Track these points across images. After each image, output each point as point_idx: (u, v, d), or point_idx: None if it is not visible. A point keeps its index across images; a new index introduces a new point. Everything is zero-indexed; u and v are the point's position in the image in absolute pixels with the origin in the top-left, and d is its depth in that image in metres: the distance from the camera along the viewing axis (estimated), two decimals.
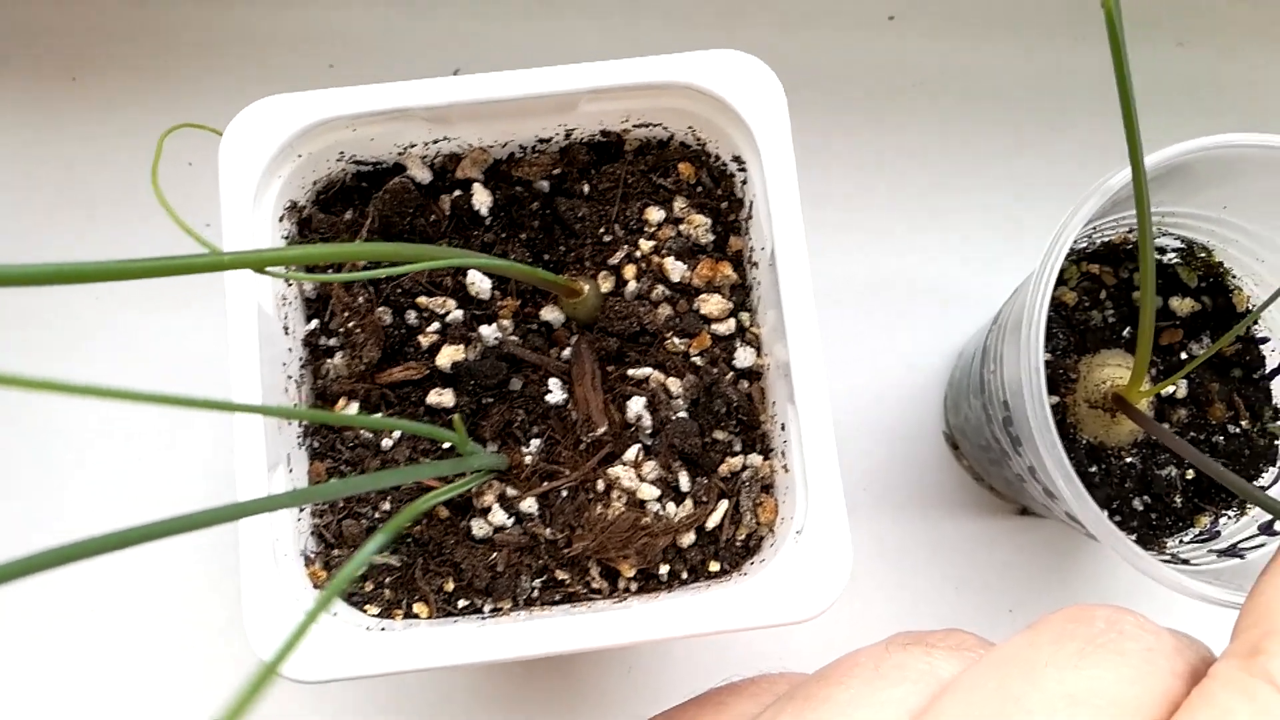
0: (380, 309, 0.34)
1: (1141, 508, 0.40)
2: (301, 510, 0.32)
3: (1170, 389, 0.41)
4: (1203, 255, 0.40)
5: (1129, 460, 0.40)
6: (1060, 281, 0.41)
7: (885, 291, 0.47)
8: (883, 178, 0.48)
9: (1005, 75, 0.49)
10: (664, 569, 0.33)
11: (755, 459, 0.34)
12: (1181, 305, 0.41)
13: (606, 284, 0.34)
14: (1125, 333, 0.41)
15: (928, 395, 0.47)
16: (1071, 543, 0.47)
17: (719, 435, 0.34)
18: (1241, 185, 0.35)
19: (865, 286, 0.47)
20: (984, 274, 0.48)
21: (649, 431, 0.33)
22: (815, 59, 0.49)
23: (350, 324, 0.34)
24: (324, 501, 0.33)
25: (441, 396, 0.34)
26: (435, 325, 0.34)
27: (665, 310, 0.34)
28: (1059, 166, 0.49)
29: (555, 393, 0.34)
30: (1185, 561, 0.37)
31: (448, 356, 0.34)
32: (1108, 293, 0.41)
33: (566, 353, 0.35)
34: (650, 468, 0.33)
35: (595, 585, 0.33)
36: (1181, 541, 0.39)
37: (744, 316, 0.34)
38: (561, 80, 0.32)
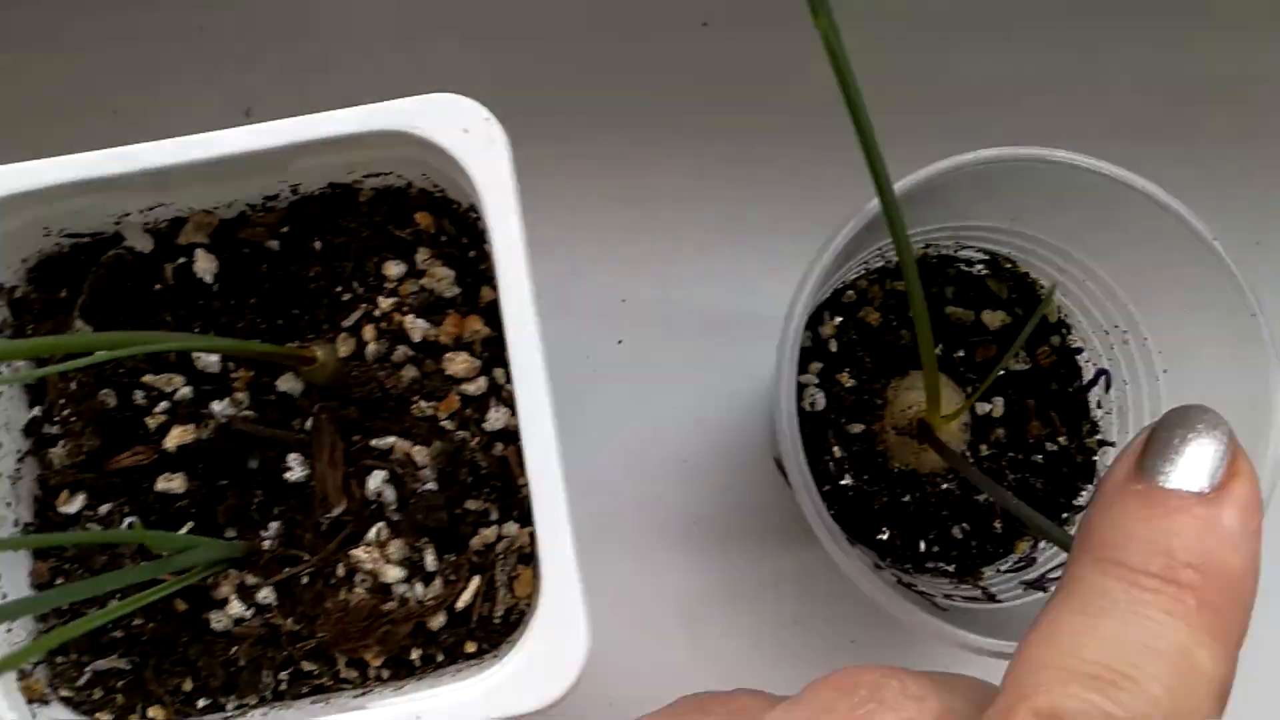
0: (104, 391, 0.32)
1: (961, 535, 0.38)
2: (12, 622, 0.30)
3: (988, 407, 0.39)
4: (1008, 267, 0.38)
5: (945, 487, 0.38)
6: (865, 301, 0.39)
7: (705, 319, 0.45)
8: (684, 199, 0.46)
9: (796, 82, 0.47)
10: (416, 654, 0.31)
11: (512, 528, 0.31)
12: (993, 319, 0.39)
13: (345, 348, 0.32)
14: (938, 351, 0.39)
15: (754, 422, 0.45)
16: None
17: (471, 505, 0.31)
18: (1018, 198, 0.33)
19: (678, 318, 0.45)
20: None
21: (394, 507, 0.31)
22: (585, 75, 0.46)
23: (66, 411, 0.31)
24: (49, 609, 0.31)
25: (171, 482, 0.31)
26: (164, 405, 0.32)
27: (410, 372, 0.32)
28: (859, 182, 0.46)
29: (295, 470, 0.31)
30: (993, 597, 0.35)
31: (176, 438, 0.31)
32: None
33: (311, 424, 0.32)
34: (396, 547, 0.31)
35: (344, 675, 0.31)
36: (999, 571, 0.37)
37: (498, 373, 0.32)
38: (261, 138, 0.29)
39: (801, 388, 0.37)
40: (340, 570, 0.31)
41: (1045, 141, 0.31)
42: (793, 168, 0.46)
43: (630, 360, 0.45)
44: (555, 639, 0.27)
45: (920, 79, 0.46)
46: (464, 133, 0.30)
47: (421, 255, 0.33)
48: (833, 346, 0.38)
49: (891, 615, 0.30)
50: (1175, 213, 0.30)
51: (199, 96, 0.46)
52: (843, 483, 0.37)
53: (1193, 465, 0.21)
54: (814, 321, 0.38)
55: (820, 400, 0.38)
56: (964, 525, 0.38)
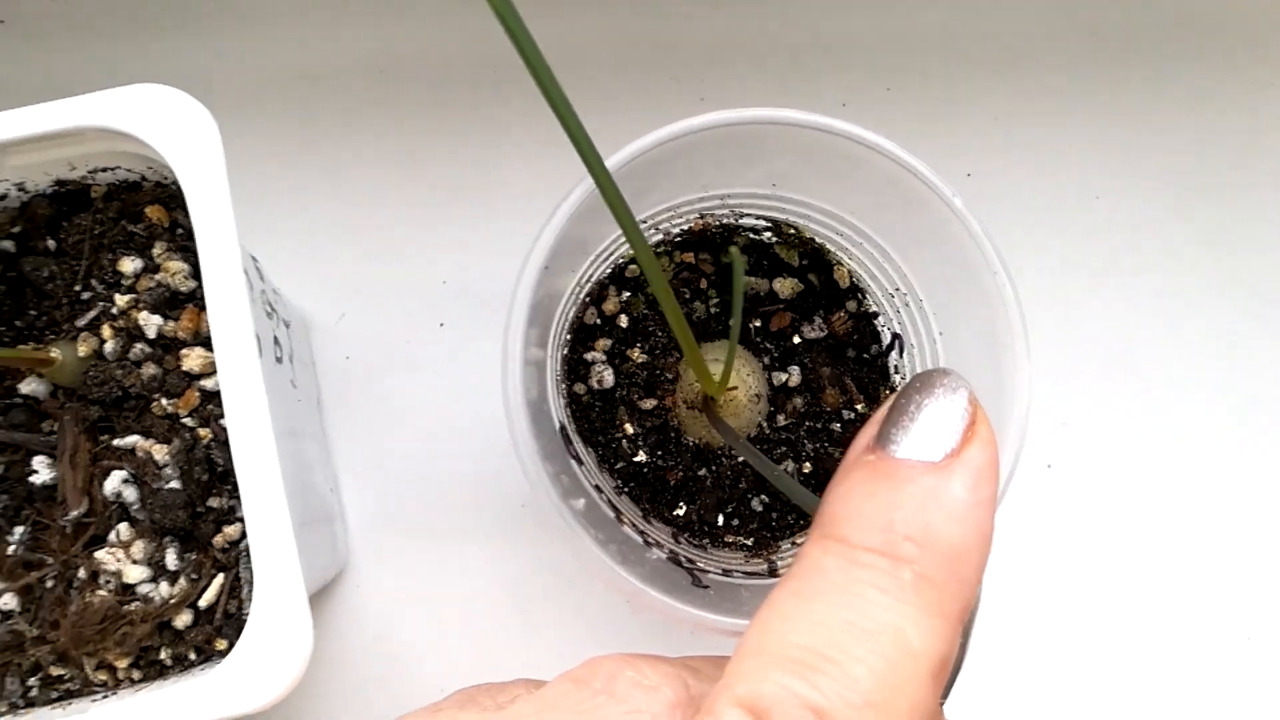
0: None
1: (760, 508, 0.37)
2: None
3: (784, 377, 0.38)
4: (792, 233, 0.37)
5: (742, 459, 0.37)
6: None
7: (486, 300, 0.44)
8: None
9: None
10: (166, 654, 0.30)
11: None
12: (784, 286, 0.38)
13: (85, 347, 0.32)
14: (730, 323, 0.38)
15: None
16: None
17: (214, 503, 0.31)
18: (771, 162, 0.32)
19: (499, 298, 0.44)
20: None
21: (136, 506, 0.31)
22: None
23: None
24: None
25: None
26: None
27: (150, 369, 0.31)
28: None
29: (42, 473, 0.31)
30: (774, 572, 0.35)
31: None
32: (709, 282, 0.38)
33: (58, 426, 0.32)
34: (139, 547, 0.30)
35: (94, 679, 0.31)
36: (794, 544, 0.36)
37: None
38: None
39: (589, 365, 0.37)
40: (83, 572, 0.30)
41: (805, 104, 0.30)
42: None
43: (451, 342, 0.45)
44: (275, 638, 0.27)
45: (660, 42, 0.45)
46: (166, 123, 0.29)
47: (157, 249, 0.32)
48: (623, 321, 0.37)
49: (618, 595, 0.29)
50: (911, 168, 0.29)
51: None
52: (637, 459, 0.37)
53: (926, 432, 0.20)
54: (598, 299, 0.37)
55: (609, 377, 0.37)
56: (762, 498, 0.37)
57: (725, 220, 0.37)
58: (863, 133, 0.29)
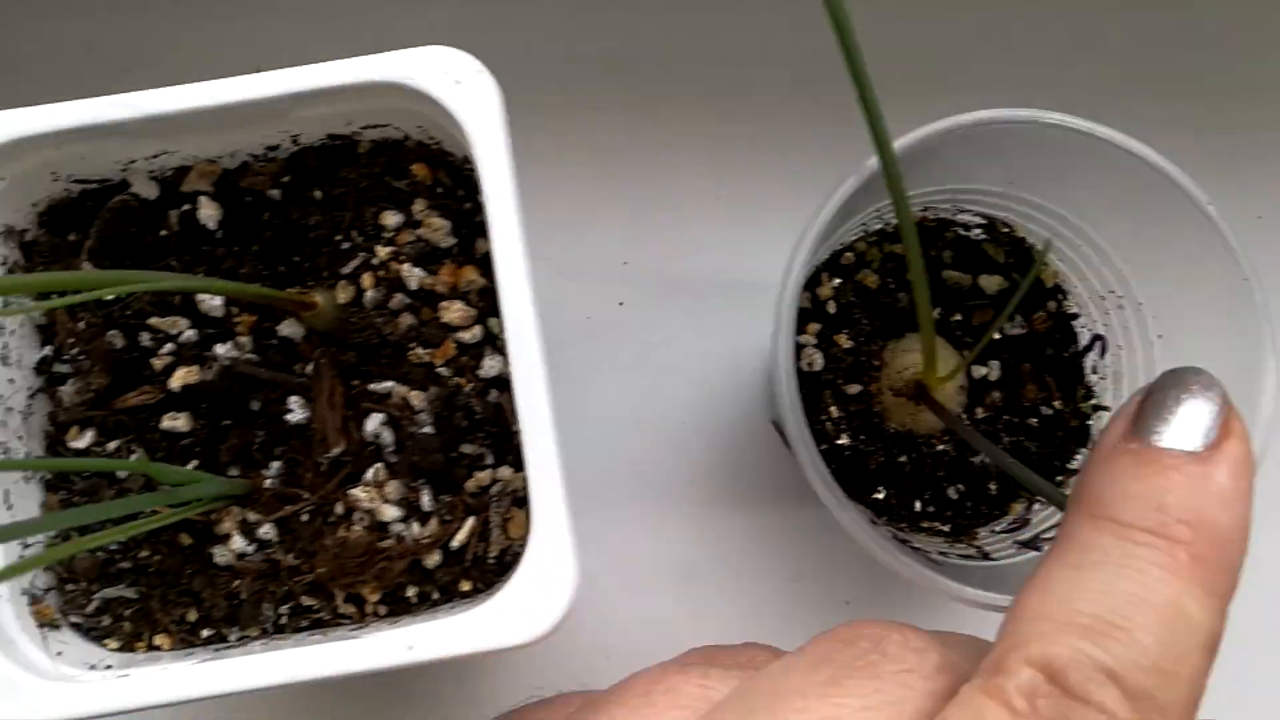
0: (111, 332, 0.33)
1: (956, 496, 0.38)
2: (26, 546, 0.31)
3: (984, 370, 0.39)
4: (1005, 231, 0.38)
5: (941, 448, 0.38)
6: (863, 264, 0.39)
7: (700, 284, 0.45)
8: (682, 168, 0.46)
9: (792, 44, 0.47)
10: (412, 591, 0.32)
11: (505, 471, 0.32)
12: (990, 283, 0.39)
13: (344, 294, 0.33)
14: (935, 314, 0.39)
15: (756, 384, 0.45)
16: None
17: (467, 449, 0.32)
18: (1015, 161, 0.33)
19: (679, 281, 0.45)
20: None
21: (391, 449, 0.32)
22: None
23: (75, 350, 0.32)
24: (57, 535, 0.32)
25: (176, 421, 0.32)
26: (170, 346, 0.33)
27: (407, 319, 0.33)
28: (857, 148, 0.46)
29: (296, 412, 0.32)
30: (987, 555, 0.36)
31: (180, 379, 0.32)
32: None
33: (312, 368, 0.33)
34: (393, 487, 0.32)
35: (342, 610, 0.32)
36: (993, 531, 0.37)
37: (493, 323, 0.33)
38: (260, 87, 0.30)
39: (800, 348, 0.38)
40: (339, 509, 0.32)
41: (1049, 104, 0.31)
42: (792, 132, 0.46)
43: (631, 322, 0.46)
44: (544, 576, 0.28)
45: (920, 39, 0.46)
46: (456, 84, 0.30)
47: (418, 206, 0.33)
48: (831, 308, 0.38)
49: (889, 569, 0.31)
50: (1169, 176, 0.30)
51: (208, 53, 0.47)
52: (839, 442, 0.38)
53: (1186, 425, 0.22)
54: (812, 283, 0.38)
55: (818, 361, 0.38)
56: (959, 486, 0.38)
57: (943, 214, 0.38)
58: (1125, 140, 0.30)
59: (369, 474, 0.32)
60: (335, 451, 0.32)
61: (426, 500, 0.32)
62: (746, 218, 0.46)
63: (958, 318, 0.39)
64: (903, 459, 0.38)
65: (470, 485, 0.32)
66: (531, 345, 0.29)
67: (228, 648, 0.32)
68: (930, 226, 0.38)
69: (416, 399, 0.32)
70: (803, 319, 0.38)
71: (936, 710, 0.20)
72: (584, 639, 0.44)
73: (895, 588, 0.45)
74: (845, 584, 0.45)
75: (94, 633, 0.32)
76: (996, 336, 0.39)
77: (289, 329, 0.33)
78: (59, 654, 0.30)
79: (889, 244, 0.39)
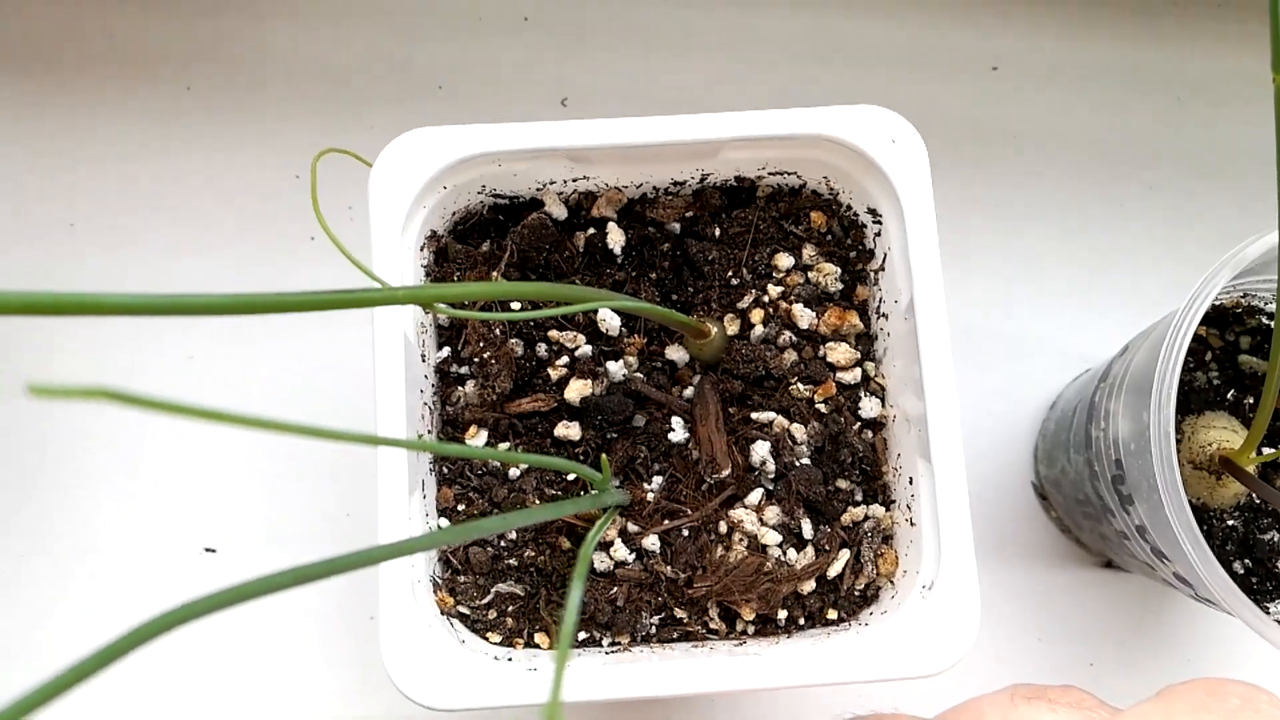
0: (512, 340, 0.35)
1: (1242, 571, 0.40)
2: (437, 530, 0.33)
3: (1271, 451, 0.41)
4: None
5: (1231, 523, 0.40)
6: None
7: (966, 341, 0.47)
8: (969, 226, 0.49)
9: (1106, 132, 0.50)
10: (782, 614, 0.33)
11: (877, 510, 0.34)
12: None
13: (732, 327, 0.35)
14: (1229, 395, 0.41)
15: (1014, 445, 0.47)
16: (1155, 598, 0.47)
17: (841, 484, 0.34)
18: None
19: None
20: (1070, 327, 0.48)
21: (771, 476, 0.34)
22: (918, 108, 0.49)
23: (485, 354, 0.34)
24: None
25: (569, 430, 0.34)
26: (564, 359, 0.35)
27: (790, 356, 0.35)
28: (1152, 229, 0.49)
29: (678, 431, 0.34)
30: None
31: (576, 391, 0.34)
32: (1213, 355, 0.41)
33: (688, 392, 0.35)
34: (773, 513, 0.33)
35: (713, 626, 0.33)
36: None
37: (869, 366, 0.35)
38: (709, 128, 0.32)
39: (1107, 415, 0.40)
40: (721, 528, 0.33)
41: None
42: (1073, 212, 0.49)
43: None
44: (951, 610, 0.30)
45: None
46: (891, 143, 0.32)
47: (808, 251, 0.35)
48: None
49: (1262, 635, 0.32)
50: None
51: (519, 81, 0.50)
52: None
53: None
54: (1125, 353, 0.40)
55: (1123, 430, 0.40)
56: (1246, 561, 0.40)
57: (1252, 302, 0.40)
58: None
59: (751, 497, 0.33)
60: (724, 474, 0.34)
61: (808, 529, 0.33)
62: (1023, 275, 0.48)
63: (1250, 400, 0.41)
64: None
65: (844, 519, 0.34)
66: (949, 391, 0.31)
67: (602, 651, 0.33)
68: (1238, 313, 0.41)
69: (799, 431, 0.34)
70: (1110, 393, 0.40)
71: None
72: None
73: (1142, 652, 0.46)
74: (1090, 647, 0.46)
75: (478, 625, 0.33)
76: None
77: (674, 354, 0.35)
78: (463, 642, 0.32)
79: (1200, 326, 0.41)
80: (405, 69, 0.50)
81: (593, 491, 0.32)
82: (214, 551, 0.46)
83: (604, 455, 0.29)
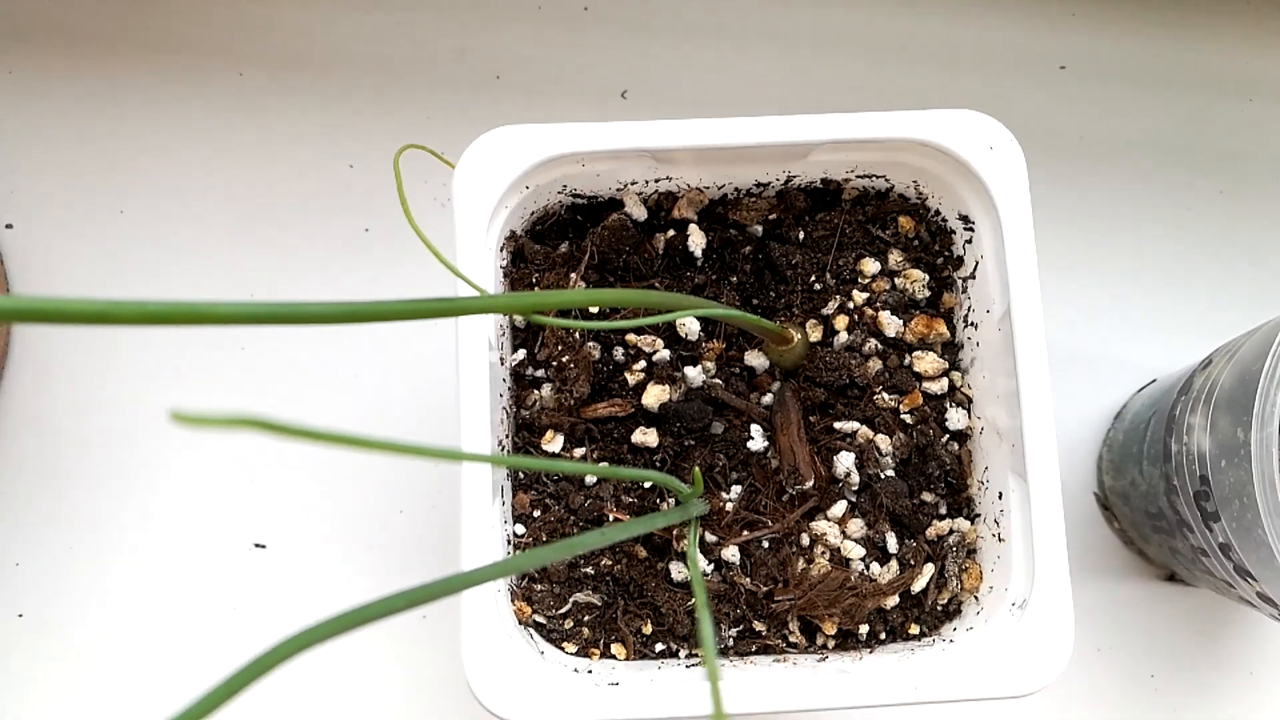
0: (590, 344, 0.34)
1: None
2: (507, 545, 0.32)
3: None
4: None
5: None
6: None
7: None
8: (1036, 233, 0.48)
9: (1177, 136, 0.49)
10: (864, 628, 0.33)
11: (963, 524, 0.33)
12: None
13: (814, 333, 0.34)
14: None
15: (1076, 454, 0.47)
16: (1219, 612, 0.46)
17: (926, 497, 0.33)
18: None
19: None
20: (1136, 336, 0.48)
21: (855, 488, 0.33)
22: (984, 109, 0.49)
23: (563, 358, 0.33)
24: (529, 536, 0.33)
25: (646, 436, 0.33)
26: (641, 363, 0.34)
27: (875, 364, 0.34)
28: (1223, 237, 0.48)
29: (757, 440, 0.33)
30: None
31: (654, 396, 0.33)
32: None
33: (766, 399, 0.34)
34: (856, 525, 0.33)
35: (792, 639, 0.33)
36: None
37: (955, 376, 0.34)
38: (802, 130, 0.31)
39: (1189, 428, 0.39)
40: (804, 540, 0.33)
41: None
42: (1141, 220, 0.48)
43: None
44: (1046, 630, 0.29)
45: None
46: (989, 150, 0.32)
47: (895, 256, 0.34)
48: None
49: None
50: None
51: (578, 73, 0.49)
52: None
53: None
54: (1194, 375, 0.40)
55: (1209, 444, 0.39)
56: None
57: None
58: None
59: (834, 509, 0.33)
60: (808, 484, 0.33)
61: (892, 542, 0.33)
62: (1090, 284, 0.47)
63: None
64: None
65: (930, 533, 0.33)
66: (1046, 406, 0.30)
67: (681, 664, 0.32)
68: None
69: (884, 442, 0.33)
70: (1191, 406, 0.39)
71: None
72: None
73: (1204, 667, 0.45)
74: (1150, 659, 0.46)
75: (554, 635, 0.33)
76: None
77: (754, 360, 0.34)
78: (542, 654, 0.31)
79: None
80: (462, 59, 0.49)
81: (671, 504, 0.31)
82: (264, 547, 0.46)
83: (697, 469, 0.28)
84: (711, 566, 0.33)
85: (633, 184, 0.34)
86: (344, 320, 0.17)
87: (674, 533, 0.33)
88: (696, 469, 0.28)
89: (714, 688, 0.17)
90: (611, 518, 0.33)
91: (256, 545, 0.46)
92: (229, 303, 0.15)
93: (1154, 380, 0.47)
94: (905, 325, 0.34)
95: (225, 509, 0.46)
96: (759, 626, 0.33)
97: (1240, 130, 0.49)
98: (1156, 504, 0.41)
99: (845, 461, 0.33)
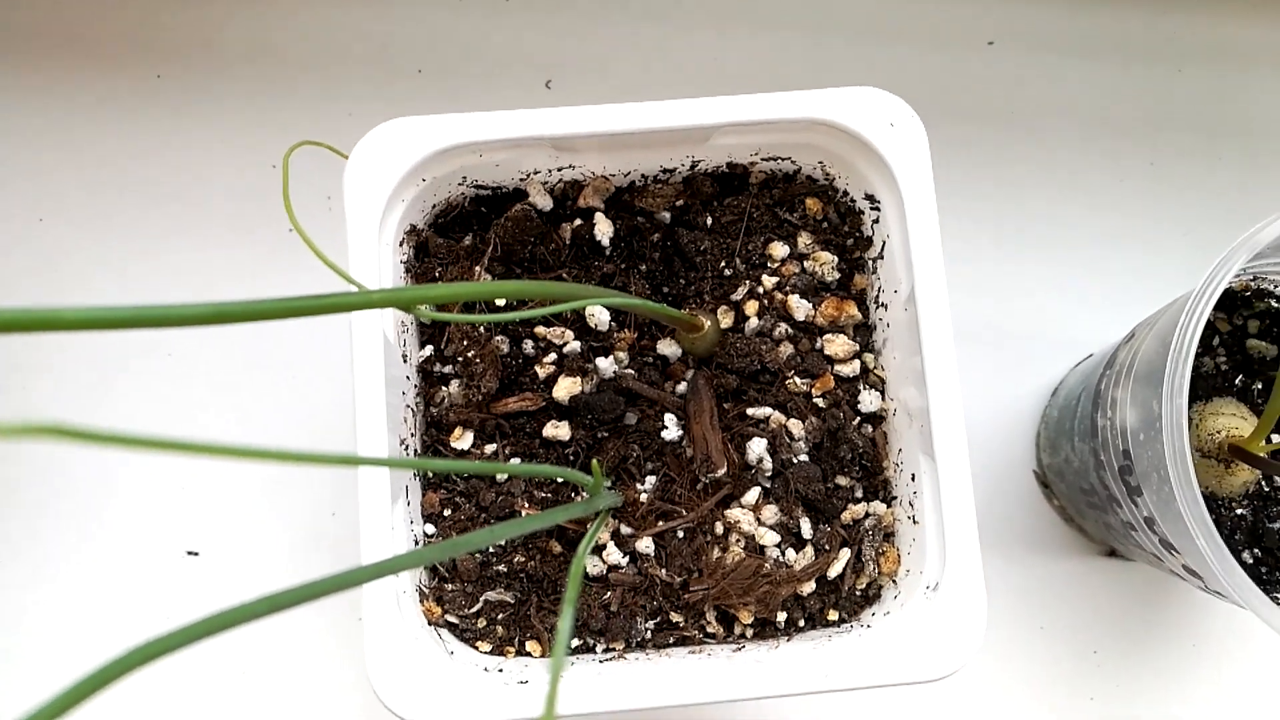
0: (498, 338, 0.33)
1: (1251, 560, 0.39)
2: (416, 545, 0.32)
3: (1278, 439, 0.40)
4: None
5: (1239, 512, 0.39)
6: None
7: (963, 325, 0.46)
8: (964, 209, 0.47)
9: (1105, 108, 0.48)
10: (781, 616, 0.32)
11: (879, 507, 0.33)
12: None
13: (726, 319, 0.34)
14: (1238, 381, 0.40)
15: (1014, 432, 0.46)
16: (1158, 585, 0.46)
17: (841, 481, 0.33)
18: None
19: (963, 324, 0.46)
20: (1071, 311, 0.47)
21: (768, 474, 0.33)
22: (911, 86, 0.48)
23: (469, 353, 0.33)
24: (439, 536, 0.32)
25: (558, 429, 0.33)
26: (552, 356, 0.33)
27: (787, 349, 0.33)
28: (1154, 209, 0.48)
29: (671, 429, 0.33)
30: None
31: (565, 389, 0.33)
32: (1220, 340, 0.40)
33: (681, 388, 0.34)
34: (770, 512, 0.32)
35: (710, 630, 0.32)
36: None
37: (868, 358, 0.34)
38: (700, 114, 0.31)
39: (1113, 403, 0.39)
40: (718, 529, 0.32)
41: None
42: (1076, 193, 0.47)
43: None
44: (956, 613, 0.29)
45: None
46: (890, 127, 0.31)
47: (804, 239, 0.34)
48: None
49: (1273, 628, 0.31)
50: None
51: (502, 63, 0.48)
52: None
53: None
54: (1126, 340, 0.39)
55: (1131, 419, 0.39)
56: (1255, 551, 0.39)
57: (1264, 286, 0.39)
58: None
59: (748, 496, 0.32)
60: (720, 472, 0.32)
61: (807, 528, 0.32)
62: (1022, 260, 0.47)
63: (1259, 385, 0.40)
64: None
65: (845, 517, 0.33)
66: (952, 383, 0.30)
67: (596, 659, 0.32)
68: (1246, 296, 0.40)
69: (796, 427, 0.33)
70: (1119, 378, 0.39)
71: None
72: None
73: (1146, 640, 0.45)
74: (1092, 635, 0.45)
75: (467, 634, 0.32)
76: None
77: (667, 348, 0.34)
78: (451, 653, 0.31)
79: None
80: (383, 52, 0.48)
81: (585, 496, 0.30)
82: (196, 555, 0.45)
83: (595, 461, 0.28)
84: (626, 559, 0.32)
85: (535, 173, 0.33)
86: (214, 321, 0.17)
87: (586, 527, 0.33)
88: (595, 462, 0.28)
89: (552, 690, 0.16)
90: (524, 514, 0.33)
91: (189, 553, 0.45)
92: (85, 308, 0.15)
93: (1090, 355, 0.46)
94: (815, 308, 0.33)
95: (158, 517, 0.45)
96: (676, 618, 0.32)
97: (1169, 100, 0.48)
98: (1088, 480, 0.41)
99: (757, 448, 0.32)
